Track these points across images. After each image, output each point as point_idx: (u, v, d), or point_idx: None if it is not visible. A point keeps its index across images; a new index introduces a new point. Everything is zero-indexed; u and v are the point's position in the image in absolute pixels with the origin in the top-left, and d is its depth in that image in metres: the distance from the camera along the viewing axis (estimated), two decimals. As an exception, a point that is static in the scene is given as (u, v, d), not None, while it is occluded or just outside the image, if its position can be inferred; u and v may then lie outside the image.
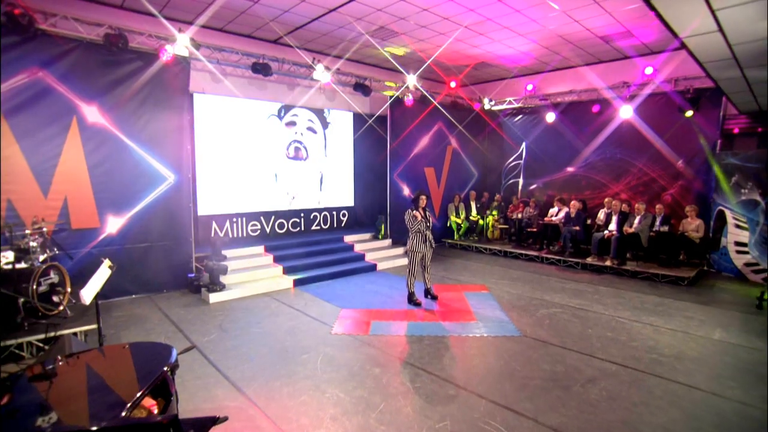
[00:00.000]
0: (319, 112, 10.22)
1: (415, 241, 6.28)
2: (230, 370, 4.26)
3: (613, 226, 8.79)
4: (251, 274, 7.42)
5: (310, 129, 10.10)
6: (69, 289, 5.06)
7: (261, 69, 7.44)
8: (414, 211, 6.25)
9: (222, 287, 6.68)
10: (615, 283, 7.73)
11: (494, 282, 7.76)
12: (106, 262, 3.61)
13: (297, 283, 7.47)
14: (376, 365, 4.38)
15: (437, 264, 9.21)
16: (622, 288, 7.36)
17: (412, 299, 6.39)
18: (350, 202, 11.07)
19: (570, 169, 10.97)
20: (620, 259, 8.43)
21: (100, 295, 6.68)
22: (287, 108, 9.62)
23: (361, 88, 8.97)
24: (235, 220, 8.91)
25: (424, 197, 6.29)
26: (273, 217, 9.51)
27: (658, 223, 8.41)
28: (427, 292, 6.67)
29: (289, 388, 3.91)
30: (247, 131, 9.00)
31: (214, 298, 6.55)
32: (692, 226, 8.12)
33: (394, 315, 5.93)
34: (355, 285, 7.58)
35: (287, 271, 7.77)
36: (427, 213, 6.38)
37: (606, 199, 9.41)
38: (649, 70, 8.92)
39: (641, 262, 8.44)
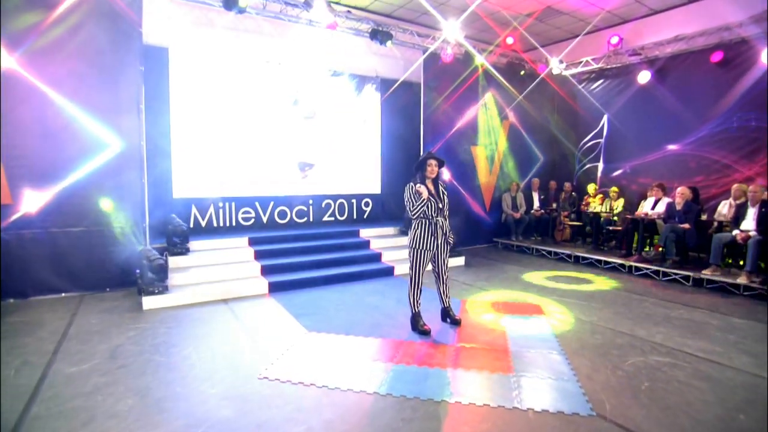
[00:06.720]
0: (336, 75, 8.26)
1: (418, 231, 4.02)
2: (27, 448, 2.37)
3: (749, 224, 5.80)
4: (217, 273, 5.61)
5: (324, 97, 8.16)
6: None
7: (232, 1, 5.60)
8: (418, 186, 4.00)
9: (162, 289, 4.92)
10: (758, 313, 4.84)
11: (556, 300, 5.25)
12: None
13: (274, 287, 5.53)
14: (289, 465, 2.25)
15: (477, 270, 6.82)
16: (774, 322, 4.51)
17: (417, 324, 4.13)
18: (376, 189, 8.99)
19: (672, 147, 7.96)
20: (764, 275, 5.46)
21: (17, 293, 5.45)
22: (301, 88, 7.79)
23: (379, 35, 6.84)
24: (221, 205, 7.20)
25: (433, 162, 4.04)
26: (272, 204, 7.68)
27: (829, 220, 5.36)
28: (446, 314, 4.39)
29: None
30: (241, 97, 7.27)
31: (149, 303, 4.80)
32: None
33: (379, 350, 3.73)
34: (352, 295, 5.48)
35: (266, 271, 5.87)
36: (441, 188, 4.12)
37: (734, 186, 6.38)
38: (814, -14, 5.83)
39: (800, 280, 5.41)
